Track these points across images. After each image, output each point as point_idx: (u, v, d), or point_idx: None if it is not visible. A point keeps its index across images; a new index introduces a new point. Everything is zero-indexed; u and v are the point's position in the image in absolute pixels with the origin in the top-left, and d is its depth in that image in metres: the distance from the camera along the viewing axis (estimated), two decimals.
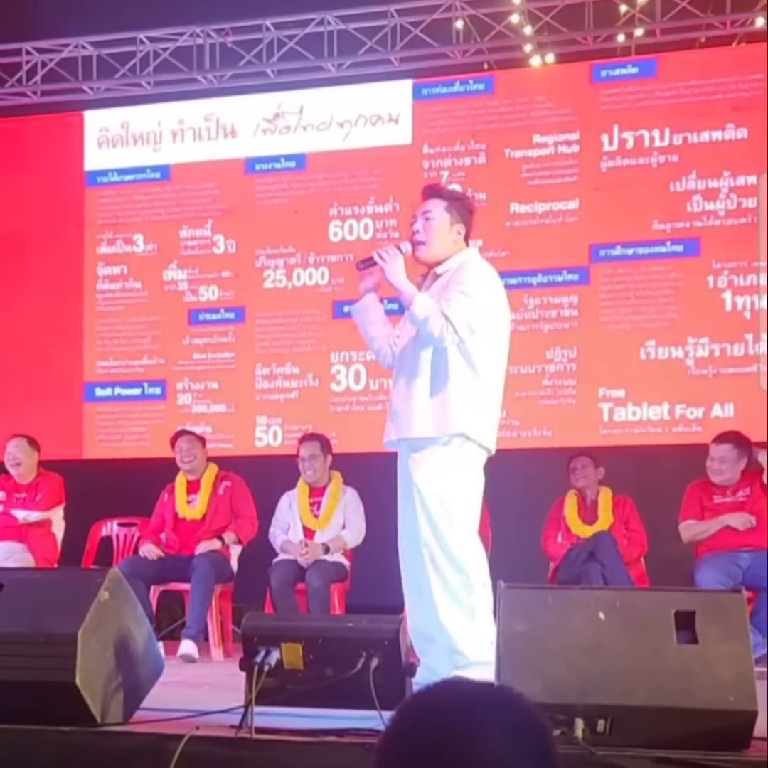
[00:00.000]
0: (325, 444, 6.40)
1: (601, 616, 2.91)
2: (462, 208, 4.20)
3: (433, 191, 4.28)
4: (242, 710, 3.14)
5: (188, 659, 5.68)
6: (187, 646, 5.77)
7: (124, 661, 3.37)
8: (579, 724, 2.79)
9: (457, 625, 3.91)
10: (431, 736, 1.26)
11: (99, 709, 3.28)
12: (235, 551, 6.33)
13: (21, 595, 3.41)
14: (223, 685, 4.53)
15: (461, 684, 1.34)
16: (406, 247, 4.21)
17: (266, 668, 3.15)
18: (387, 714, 3.02)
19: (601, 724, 2.78)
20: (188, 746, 3.06)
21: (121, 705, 3.36)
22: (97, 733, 3.27)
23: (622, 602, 2.95)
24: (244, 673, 3.24)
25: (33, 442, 6.57)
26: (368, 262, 4.30)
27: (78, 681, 3.22)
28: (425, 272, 4.28)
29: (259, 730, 3.09)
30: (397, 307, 7.31)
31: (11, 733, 3.29)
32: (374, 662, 3.08)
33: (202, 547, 6.11)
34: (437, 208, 4.15)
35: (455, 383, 3.99)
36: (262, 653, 3.18)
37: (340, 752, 2.99)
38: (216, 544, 6.15)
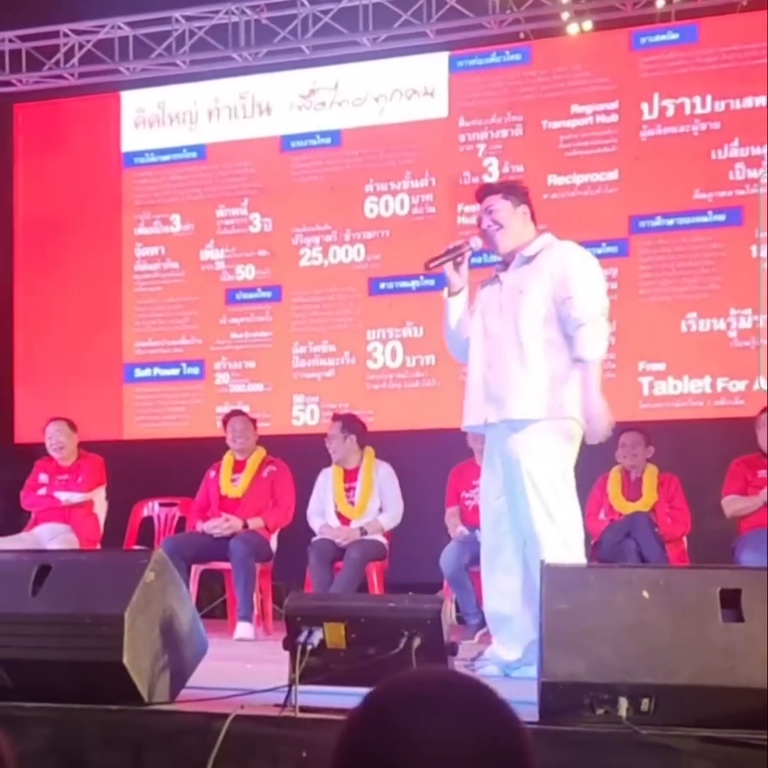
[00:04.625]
0: (348, 422, 6.34)
1: (645, 594, 2.89)
2: (517, 191, 4.29)
3: (485, 189, 4.37)
4: (286, 689, 3.15)
5: (244, 640, 5.79)
6: (243, 629, 5.87)
7: (170, 640, 3.39)
8: (623, 703, 2.78)
9: None
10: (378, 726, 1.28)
11: (146, 688, 3.31)
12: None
13: (68, 577, 3.44)
14: (266, 664, 4.57)
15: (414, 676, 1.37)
16: (476, 242, 4.26)
17: (309, 648, 3.16)
18: None
19: (645, 703, 2.77)
20: (233, 725, 3.08)
21: (167, 684, 3.38)
22: (143, 711, 3.29)
23: (666, 580, 2.93)
24: (285, 652, 3.25)
25: (72, 425, 6.62)
26: (438, 261, 4.27)
27: (125, 661, 3.24)
28: (505, 260, 4.26)
29: (303, 709, 3.10)
30: (433, 283, 7.38)
31: (59, 712, 3.32)
32: (416, 641, 3.08)
33: (226, 526, 6.11)
34: (495, 200, 4.24)
35: (561, 366, 4.04)
36: (305, 633, 3.18)
37: None
38: (238, 526, 6.14)
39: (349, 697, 3.18)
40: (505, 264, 4.27)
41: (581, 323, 3.99)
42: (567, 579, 3.01)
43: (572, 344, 4.02)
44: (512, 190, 4.29)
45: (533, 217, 4.29)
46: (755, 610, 2.81)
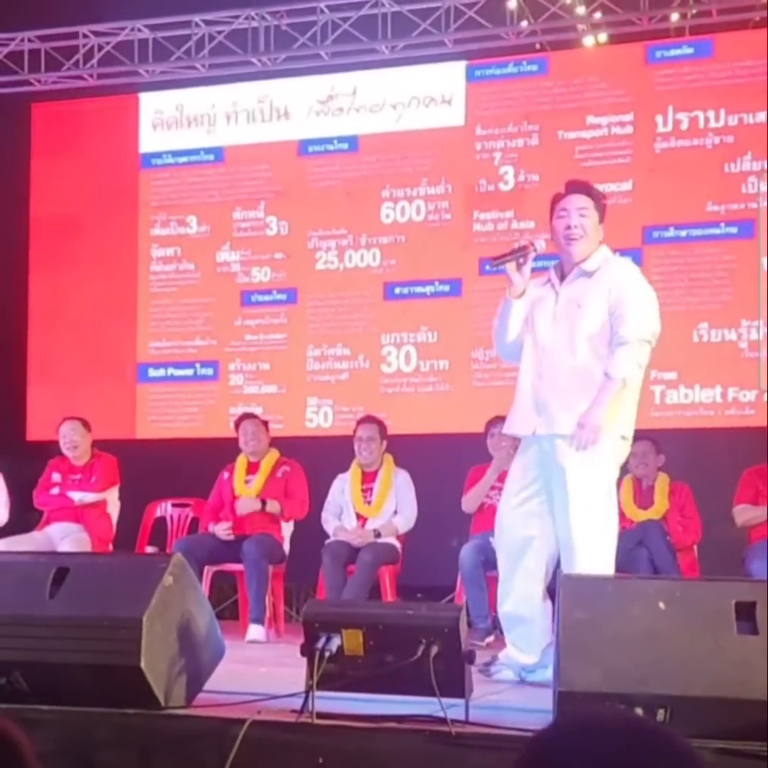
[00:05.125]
0: (382, 428, 6.44)
1: (661, 605, 2.93)
2: (602, 209, 4.25)
3: (582, 187, 4.27)
4: (303, 695, 3.18)
5: (257, 642, 5.84)
6: (255, 631, 5.92)
7: (187, 644, 3.42)
8: (638, 713, 2.81)
9: None
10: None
11: (162, 692, 3.33)
12: (287, 532, 6.38)
13: (86, 580, 3.47)
14: (280, 667, 4.61)
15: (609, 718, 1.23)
16: (541, 244, 4.21)
17: (327, 654, 3.19)
18: (446, 701, 3.06)
19: (660, 714, 2.80)
20: (250, 730, 3.11)
21: (184, 688, 3.41)
22: (160, 715, 3.31)
23: (683, 592, 2.97)
24: (299, 655, 3.28)
25: (86, 424, 6.65)
26: (503, 259, 4.24)
27: (143, 664, 3.27)
28: (567, 265, 4.23)
29: (320, 716, 3.12)
30: (448, 289, 7.43)
31: (77, 714, 3.34)
32: (434, 649, 3.11)
33: (245, 504, 6.18)
34: (589, 206, 4.18)
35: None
36: (323, 639, 3.21)
37: (400, 738, 3.03)
38: (256, 505, 6.19)
39: (366, 703, 3.24)
40: (561, 272, 4.22)
41: (624, 342, 4.01)
42: (585, 589, 3.05)
43: (609, 359, 4.04)
44: (601, 203, 4.23)
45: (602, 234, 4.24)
46: None
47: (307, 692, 3.17)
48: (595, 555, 3.99)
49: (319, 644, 3.21)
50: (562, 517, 4.07)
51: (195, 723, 3.29)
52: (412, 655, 3.12)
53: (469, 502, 6.17)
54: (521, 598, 4.16)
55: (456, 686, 3.13)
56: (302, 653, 3.27)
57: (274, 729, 3.14)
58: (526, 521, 4.16)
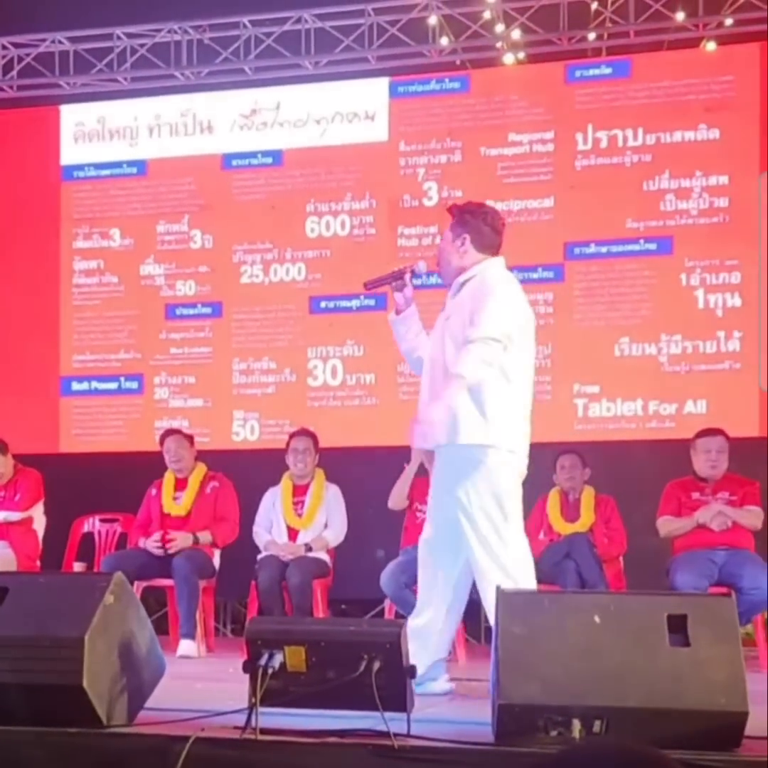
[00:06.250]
0: (315, 441, 6.50)
1: (596, 619, 3.02)
2: (466, 219, 4.30)
3: (449, 212, 4.41)
4: (247, 711, 3.21)
5: (188, 657, 5.85)
6: (186, 646, 5.92)
7: (129, 663, 3.43)
8: (576, 724, 2.90)
9: None
10: None
11: (105, 710, 3.33)
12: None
13: (26, 599, 3.44)
14: (214, 682, 4.62)
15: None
16: (421, 266, 4.37)
17: (270, 671, 3.22)
18: (388, 715, 3.12)
19: (597, 725, 2.89)
20: (194, 747, 3.12)
21: (126, 706, 3.41)
22: (103, 734, 3.30)
23: (616, 606, 3.06)
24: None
25: (4, 445, 6.52)
26: (377, 283, 4.39)
27: (85, 684, 3.26)
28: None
29: (264, 731, 3.15)
30: (373, 303, 7.49)
31: (17, 733, 3.32)
32: (376, 665, 3.16)
33: (178, 542, 6.16)
34: (446, 228, 4.36)
35: (490, 392, 4.08)
36: (265, 656, 3.25)
37: (344, 752, 3.08)
38: (188, 541, 6.19)
39: (309, 718, 3.29)
40: (454, 291, 4.35)
41: (469, 341, 4.02)
42: (522, 604, 3.13)
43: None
44: (460, 217, 4.32)
45: (487, 245, 4.28)
46: (701, 635, 2.96)
47: (250, 708, 3.20)
48: (497, 570, 4.03)
49: (262, 661, 3.24)
50: (468, 539, 4.13)
51: (138, 741, 3.29)
52: (354, 671, 3.16)
53: (393, 499, 6.25)
54: (423, 607, 4.25)
55: (398, 700, 3.19)
56: (245, 670, 3.29)
57: (219, 745, 3.16)
58: (442, 541, 4.24)
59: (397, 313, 4.39)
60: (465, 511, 4.12)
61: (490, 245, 4.29)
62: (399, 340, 4.43)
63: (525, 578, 4.08)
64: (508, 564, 4.08)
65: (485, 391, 4.06)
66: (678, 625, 2.98)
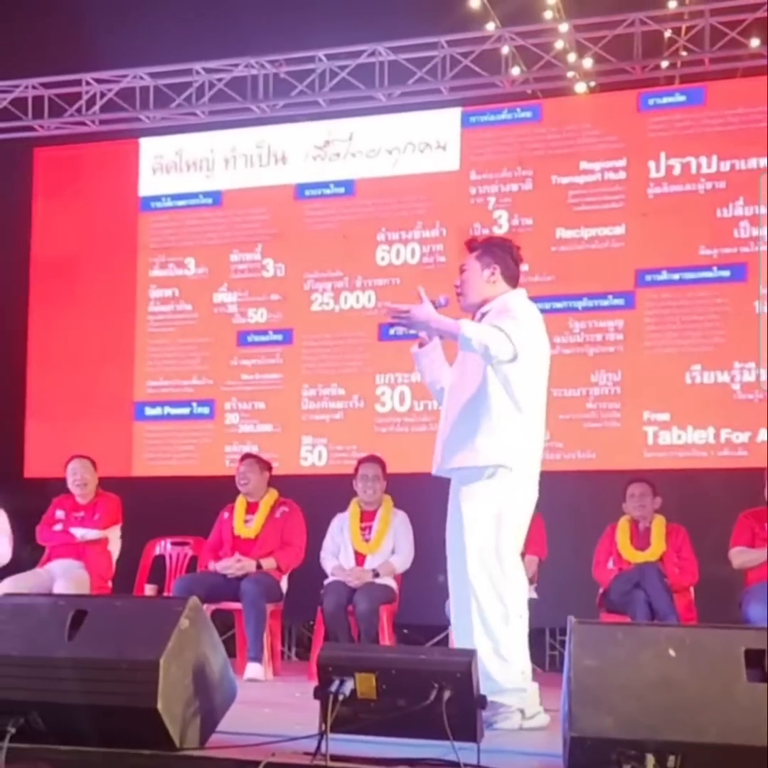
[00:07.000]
0: (383, 467, 6.54)
1: (671, 652, 2.98)
2: (495, 251, 4.36)
3: (469, 245, 4.46)
4: (317, 737, 3.23)
5: (255, 681, 5.90)
6: (253, 670, 5.97)
7: (202, 686, 3.47)
8: (650, 759, 2.86)
9: (489, 654, 4.08)
10: None
11: (178, 733, 3.37)
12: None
13: (104, 622, 3.50)
14: (282, 708, 4.65)
15: None
16: (440, 300, 4.30)
17: (341, 697, 3.24)
18: (459, 744, 3.12)
19: (671, 761, 2.85)
20: None
21: (199, 730, 3.45)
22: (175, 757, 3.35)
23: (692, 639, 3.02)
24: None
25: (94, 463, 6.74)
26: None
27: (159, 706, 3.30)
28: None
29: (334, 758, 3.17)
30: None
31: (92, 754, 3.38)
32: (447, 694, 3.16)
33: (242, 565, 6.22)
34: (470, 259, 4.39)
35: (498, 415, 4.14)
36: (336, 682, 3.27)
37: None
38: (251, 567, 6.24)
39: (379, 746, 3.30)
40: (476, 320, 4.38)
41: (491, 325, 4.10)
42: (594, 636, 3.11)
43: None
44: (489, 249, 4.37)
45: (512, 278, 4.35)
46: None
47: (321, 734, 3.21)
48: (493, 596, 4.09)
49: (333, 687, 3.26)
50: (467, 559, 4.20)
51: (210, 764, 3.32)
52: (424, 700, 3.17)
53: None
54: (461, 638, 4.29)
55: (468, 730, 3.19)
56: (316, 696, 3.31)
57: None
58: (456, 565, 4.31)
59: (421, 345, 4.44)
60: (468, 531, 4.18)
61: (514, 277, 4.38)
62: (422, 372, 4.50)
63: (516, 605, 4.12)
64: (502, 588, 4.12)
65: (496, 417, 4.13)
66: (756, 660, 2.93)
